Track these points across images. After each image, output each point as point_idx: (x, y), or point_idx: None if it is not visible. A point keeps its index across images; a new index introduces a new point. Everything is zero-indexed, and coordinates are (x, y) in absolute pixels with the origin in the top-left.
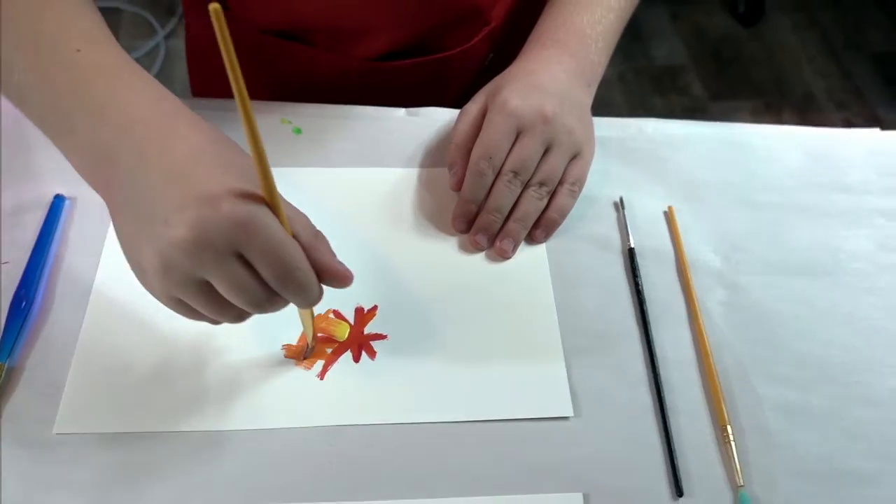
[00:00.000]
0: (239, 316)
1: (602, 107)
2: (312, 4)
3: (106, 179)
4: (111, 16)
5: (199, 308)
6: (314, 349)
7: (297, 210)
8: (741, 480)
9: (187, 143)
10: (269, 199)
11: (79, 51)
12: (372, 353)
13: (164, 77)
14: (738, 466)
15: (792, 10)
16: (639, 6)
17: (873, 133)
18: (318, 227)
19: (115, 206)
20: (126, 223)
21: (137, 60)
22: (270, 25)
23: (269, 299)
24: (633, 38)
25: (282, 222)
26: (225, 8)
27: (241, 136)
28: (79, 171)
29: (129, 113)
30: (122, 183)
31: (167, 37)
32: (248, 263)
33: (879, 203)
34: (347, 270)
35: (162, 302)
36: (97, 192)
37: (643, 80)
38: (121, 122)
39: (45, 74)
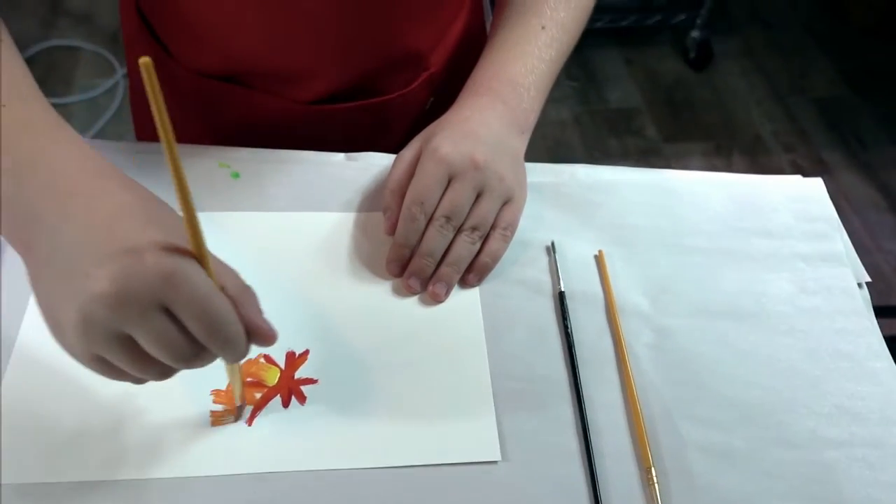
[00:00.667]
0: (163, 373)
1: (559, 148)
2: (252, 48)
3: (27, 238)
4: (71, 54)
5: (121, 365)
6: (244, 408)
7: (226, 264)
8: None
9: (113, 200)
10: (197, 252)
11: (5, 106)
12: (302, 398)
13: (123, 115)
14: None
15: (739, 56)
16: (593, 51)
17: (794, 180)
18: (254, 271)
19: (34, 265)
20: (45, 281)
21: (96, 99)
22: (210, 69)
23: (196, 354)
24: (588, 81)
25: (209, 275)
26: (166, 53)
27: None
28: (1, 230)
29: (55, 170)
30: (44, 241)
31: (126, 75)
32: (174, 317)
33: (800, 247)
34: (272, 329)
35: (82, 362)
36: (15, 248)
37: (599, 123)
38: (45, 179)
39: None
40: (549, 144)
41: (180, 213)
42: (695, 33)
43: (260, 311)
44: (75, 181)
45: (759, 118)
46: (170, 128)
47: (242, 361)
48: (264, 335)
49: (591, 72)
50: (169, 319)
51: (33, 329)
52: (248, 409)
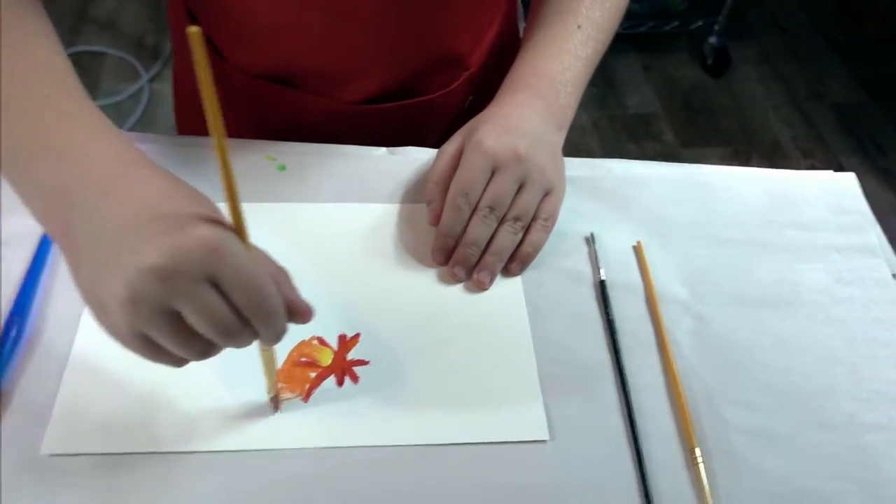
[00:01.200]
0: (204, 351)
1: (577, 152)
2: (304, 51)
3: (63, 221)
4: (96, 59)
5: (165, 342)
6: (279, 399)
7: (257, 247)
8: (710, 500)
9: (153, 183)
10: (238, 228)
11: (48, 96)
12: (355, 378)
13: (147, 120)
14: (707, 488)
15: (757, 63)
16: (612, 57)
17: (827, 175)
18: (303, 259)
19: (73, 249)
20: (87, 263)
21: (121, 103)
22: (261, 70)
23: (239, 329)
24: (607, 87)
25: (248, 251)
26: (218, 54)
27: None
28: (34, 213)
29: (95, 158)
30: (85, 223)
31: (151, 80)
32: (219, 291)
33: (834, 239)
34: (309, 306)
35: (124, 342)
36: (52, 235)
37: (617, 128)
38: (86, 167)
39: (10, 115)
40: (568, 149)
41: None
42: (712, 39)
43: (295, 290)
44: (115, 168)
45: (777, 124)
46: (215, 97)
47: (299, 336)
48: (301, 311)
49: (610, 77)
50: (215, 292)
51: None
52: (283, 399)
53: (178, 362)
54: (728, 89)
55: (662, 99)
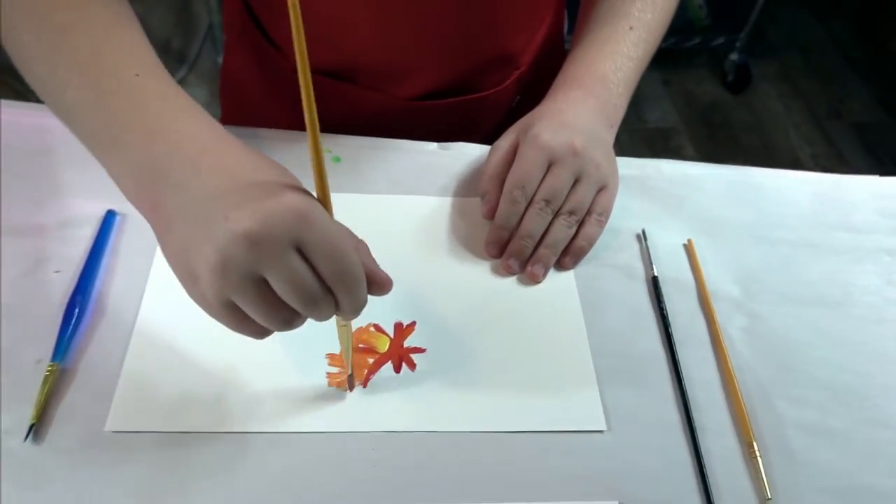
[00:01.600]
0: (288, 321)
1: None
2: (362, 46)
3: (154, 194)
4: None
5: (251, 309)
6: (353, 379)
7: (337, 220)
8: (769, 493)
9: (241, 155)
10: (323, 200)
11: (137, 76)
12: (412, 365)
13: None
14: (765, 480)
15: (777, 80)
16: None
17: (876, 179)
18: None
19: (162, 218)
20: (177, 231)
21: None
22: (317, 64)
23: (322, 296)
24: None
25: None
26: (273, 46)
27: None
28: (124, 189)
29: (184, 134)
30: (173, 194)
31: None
32: (305, 258)
33: (885, 242)
34: (388, 277)
35: (211, 311)
36: (141, 209)
37: (637, 141)
38: (175, 141)
39: (102, 94)
40: None
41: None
42: (733, 56)
43: (375, 261)
44: (204, 143)
45: (797, 141)
46: (307, 64)
47: (354, 324)
48: (381, 282)
49: None
50: (301, 259)
51: (161, 279)
52: (357, 382)
53: (262, 333)
54: (748, 106)
55: (682, 114)
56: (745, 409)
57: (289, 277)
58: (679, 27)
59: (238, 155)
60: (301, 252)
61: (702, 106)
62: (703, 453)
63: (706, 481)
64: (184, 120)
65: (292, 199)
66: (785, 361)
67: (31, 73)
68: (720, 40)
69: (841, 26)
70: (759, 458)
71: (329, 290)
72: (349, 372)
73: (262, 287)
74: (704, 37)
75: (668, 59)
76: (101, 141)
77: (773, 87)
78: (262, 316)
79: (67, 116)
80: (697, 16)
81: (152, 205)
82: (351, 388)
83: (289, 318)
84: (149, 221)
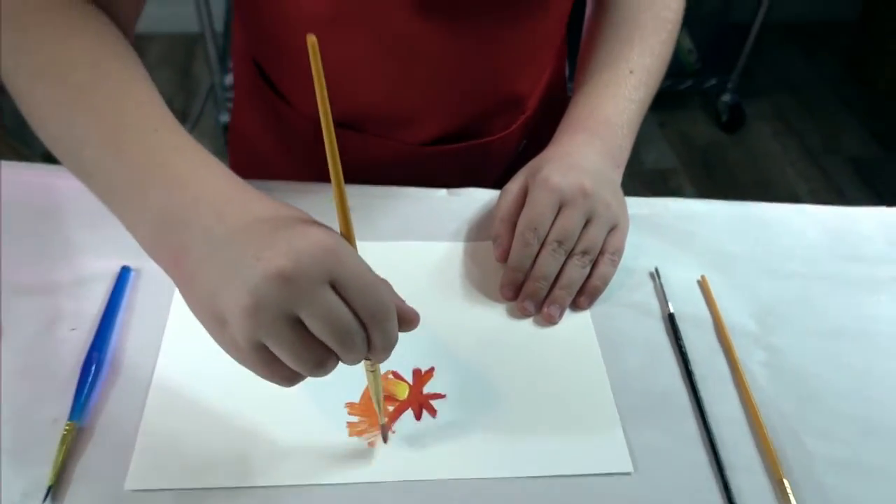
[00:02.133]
0: (320, 363)
1: None
2: (372, 96)
3: (176, 243)
4: None
5: (283, 352)
6: (387, 428)
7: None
8: None
9: (262, 203)
10: (348, 236)
11: (156, 131)
12: (432, 412)
13: None
14: None
15: (771, 119)
16: None
17: (882, 210)
18: None
19: (187, 266)
20: (203, 277)
21: None
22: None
23: (358, 333)
24: None
25: None
26: (284, 101)
27: None
28: (142, 241)
29: (207, 184)
30: (197, 240)
31: None
32: (338, 294)
33: None
34: (415, 312)
35: (241, 356)
36: (161, 260)
37: (636, 183)
38: (195, 191)
39: (121, 150)
40: None
41: None
42: (725, 97)
43: (400, 298)
44: (226, 192)
45: (794, 178)
46: (326, 98)
47: (357, 379)
48: (409, 317)
49: None
50: (335, 294)
51: (176, 335)
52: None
53: (291, 378)
54: (743, 145)
55: (680, 155)
56: (772, 445)
57: (324, 314)
58: (671, 71)
59: (260, 202)
60: (334, 288)
61: (698, 146)
62: (732, 492)
63: None
64: (204, 172)
65: (321, 236)
66: (809, 395)
67: (47, 132)
68: (712, 82)
69: (830, 64)
70: (791, 497)
71: (362, 326)
72: (382, 421)
73: (295, 327)
74: (696, 79)
75: (662, 101)
76: (120, 195)
77: (768, 125)
78: (293, 358)
79: (85, 173)
80: (687, 60)
81: (174, 254)
82: (385, 438)
83: (321, 360)
84: (169, 272)
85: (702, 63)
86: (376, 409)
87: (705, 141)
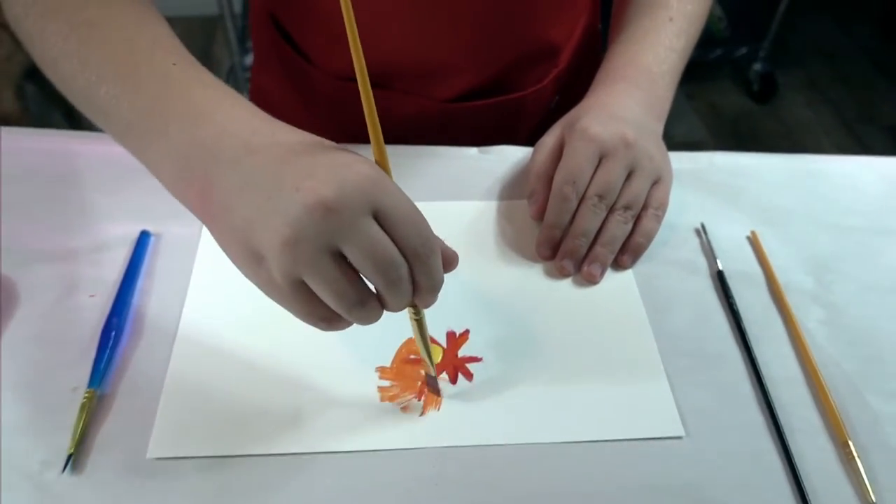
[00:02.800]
0: (362, 301)
1: None
2: (397, 48)
3: (203, 176)
4: None
5: (324, 288)
6: (435, 381)
7: None
8: (873, 497)
9: (292, 134)
10: (384, 166)
11: (174, 64)
12: (468, 375)
13: None
14: (867, 484)
15: (804, 88)
16: None
17: None
18: None
19: (215, 200)
20: (235, 211)
21: None
22: (352, 73)
23: (403, 266)
24: None
25: None
26: (306, 60)
27: None
28: (165, 177)
29: (230, 115)
30: (227, 173)
31: None
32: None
33: None
34: (455, 252)
35: (277, 294)
36: (186, 196)
37: None
38: (221, 123)
39: (140, 84)
40: None
41: None
42: (757, 66)
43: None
44: (253, 123)
45: (829, 147)
46: (358, 43)
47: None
48: (450, 257)
49: None
50: (378, 226)
51: (197, 300)
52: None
53: (330, 320)
54: (775, 115)
55: (710, 127)
56: (835, 406)
57: (368, 245)
58: (700, 40)
59: (289, 133)
60: (376, 220)
61: (728, 118)
62: (794, 457)
63: (802, 487)
64: (228, 105)
65: (363, 165)
66: (873, 353)
67: (58, 72)
68: (742, 51)
69: (866, 32)
70: (857, 460)
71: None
72: (432, 373)
73: (336, 261)
74: (726, 48)
75: (690, 72)
76: (140, 130)
77: (800, 94)
78: (334, 295)
79: (100, 111)
80: (717, 27)
81: (201, 189)
82: (436, 391)
83: (363, 298)
84: (195, 210)
85: (731, 31)
86: (425, 359)
87: (736, 112)
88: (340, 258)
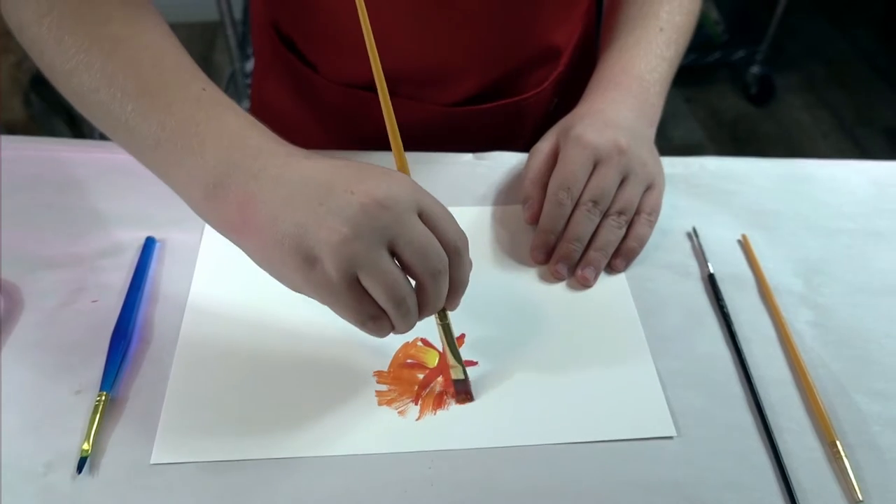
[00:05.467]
0: (409, 294)
1: None
2: (402, 54)
3: (240, 195)
4: None
5: (377, 282)
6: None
7: None
8: (860, 496)
9: (321, 157)
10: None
11: (204, 90)
12: None
13: None
14: (855, 483)
15: (801, 91)
16: None
17: None
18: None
19: (259, 210)
20: (284, 221)
21: None
22: (357, 79)
23: (446, 260)
24: None
25: None
26: (311, 69)
27: None
28: (196, 194)
29: (262, 138)
30: (271, 188)
31: None
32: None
33: None
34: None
35: (332, 293)
36: (219, 214)
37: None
38: (257, 146)
39: (172, 104)
40: None
41: None
42: (755, 69)
43: None
44: (285, 146)
45: (827, 150)
46: (374, 48)
47: (402, 338)
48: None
49: None
50: (423, 224)
51: (197, 308)
52: (394, 407)
53: (377, 318)
54: (774, 118)
55: (708, 130)
56: (823, 406)
57: (418, 237)
58: (697, 43)
59: (314, 155)
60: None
61: (726, 121)
62: (782, 456)
63: (790, 485)
64: (259, 130)
65: (399, 174)
66: (861, 355)
67: (72, 83)
68: (740, 53)
69: (863, 35)
70: (844, 459)
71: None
72: (462, 376)
73: (389, 257)
74: (724, 51)
75: (688, 75)
76: (170, 148)
77: (798, 97)
78: (386, 288)
79: (124, 126)
80: (715, 31)
81: (240, 204)
82: (468, 394)
83: (408, 292)
84: (229, 225)
85: (729, 34)
86: (455, 364)
87: (734, 115)
88: (392, 254)
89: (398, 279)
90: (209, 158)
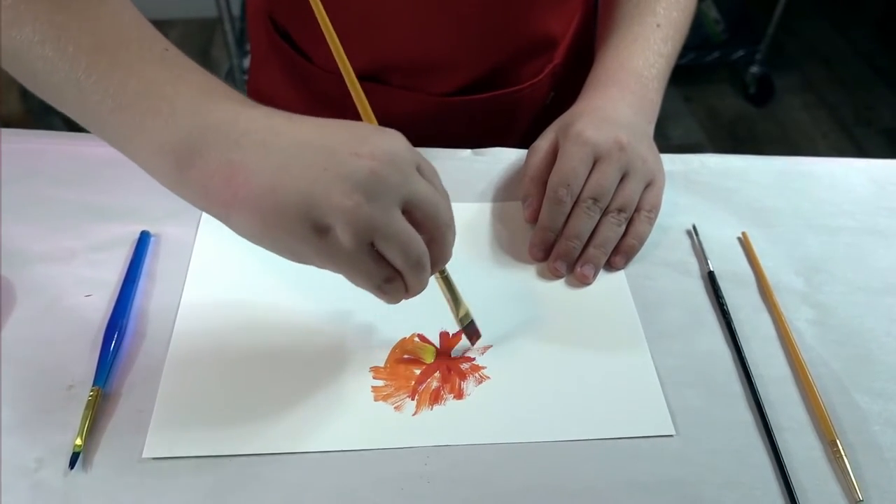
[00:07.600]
0: (424, 252)
1: None
2: (398, 43)
3: (223, 165)
4: None
5: (394, 243)
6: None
7: None
8: (860, 495)
9: (305, 117)
10: None
11: (167, 50)
12: (462, 375)
13: None
14: (854, 482)
15: (801, 91)
16: None
17: None
18: None
19: (254, 184)
20: (287, 187)
21: None
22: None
23: (450, 210)
24: None
25: None
26: (305, 59)
27: None
28: (167, 168)
29: (235, 99)
30: (259, 157)
31: None
32: None
33: None
34: None
35: (346, 260)
36: (200, 187)
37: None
38: (230, 108)
39: (131, 65)
40: None
41: None
42: (754, 69)
43: None
44: (262, 109)
45: (826, 150)
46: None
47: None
48: None
49: None
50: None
51: (193, 303)
52: (390, 402)
53: (391, 280)
54: (773, 118)
55: (706, 129)
56: (823, 405)
57: (425, 192)
58: (697, 43)
59: (299, 116)
60: None
61: (726, 120)
62: (782, 454)
63: (790, 484)
64: (230, 92)
65: (391, 131)
66: (861, 353)
67: (35, 59)
68: (740, 53)
69: (862, 35)
70: (844, 458)
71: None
72: (471, 318)
73: (402, 217)
74: (723, 51)
75: (687, 75)
76: (131, 112)
77: (797, 97)
78: (403, 247)
79: (70, 86)
80: (714, 31)
81: (226, 176)
82: (476, 333)
83: (423, 251)
84: (213, 198)
85: (728, 34)
86: (456, 309)
87: (733, 115)
88: (404, 213)
89: (414, 237)
90: (181, 122)
